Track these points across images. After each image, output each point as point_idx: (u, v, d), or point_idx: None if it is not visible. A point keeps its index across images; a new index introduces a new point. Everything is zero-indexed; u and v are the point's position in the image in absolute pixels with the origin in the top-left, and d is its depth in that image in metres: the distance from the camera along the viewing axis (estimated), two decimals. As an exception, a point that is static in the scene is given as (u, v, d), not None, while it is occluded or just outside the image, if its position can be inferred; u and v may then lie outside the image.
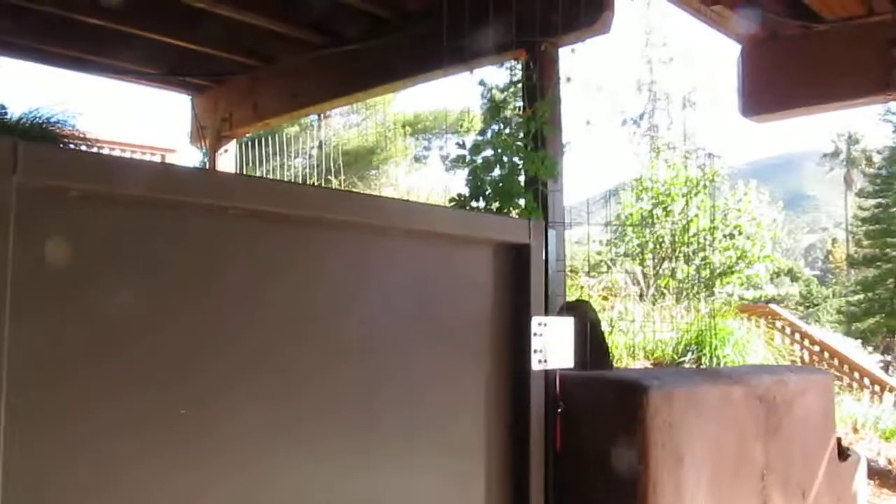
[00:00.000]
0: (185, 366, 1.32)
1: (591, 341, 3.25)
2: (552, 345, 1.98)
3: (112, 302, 1.25)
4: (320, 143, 17.66)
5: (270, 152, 12.68)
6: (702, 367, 5.93)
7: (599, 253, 10.21)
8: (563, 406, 2.03)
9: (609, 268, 9.86)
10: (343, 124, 29.03)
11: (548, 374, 1.98)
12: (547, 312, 1.96)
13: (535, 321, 1.93)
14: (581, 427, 2.27)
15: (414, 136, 30.59)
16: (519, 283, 1.92)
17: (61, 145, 7.26)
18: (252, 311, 1.43)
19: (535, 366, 1.93)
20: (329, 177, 13.79)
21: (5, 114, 7.18)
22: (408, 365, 1.71)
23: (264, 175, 13.64)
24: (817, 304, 39.14)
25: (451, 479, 1.81)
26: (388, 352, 1.67)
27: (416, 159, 31.70)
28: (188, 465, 1.31)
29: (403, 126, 29.08)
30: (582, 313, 3.47)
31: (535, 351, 1.94)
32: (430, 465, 1.75)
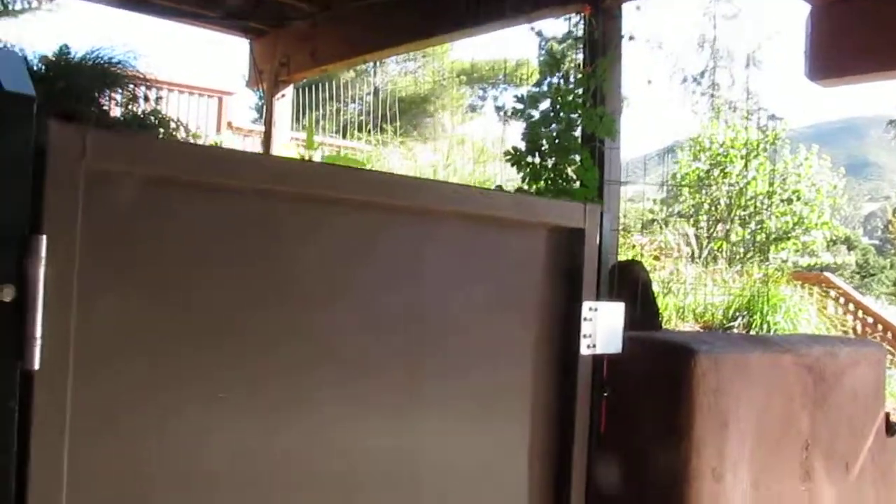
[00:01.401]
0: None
1: (641, 301, 3.24)
2: (602, 330, 1.97)
3: (177, 286, 1.29)
4: (376, 89, 17.62)
5: (326, 97, 12.71)
6: (752, 333, 5.88)
7: (653, 211, 10.10)
8: (609, 391, 2.03)
9: (662, 227, 9.75)
10: (399, 71, 28.87)
11: (595, 359, 1.97)
12: (599, 297, 1.95)
13: (586, 306, 1.93)
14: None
15: (469, 85, 30.31)
16: (572, 267, 1.91)
17: (120, 90, 7.38)
18: (319, 289, 1.47)
19: (584, 350, 1.93)
20: (384, 124, 13.79)
21: (68, 54, 7.30)
22: (458, 342, 1.73)
23: (319, 119, 13.71)
24: (874, 275, 38.28)
25: (494, 452, 1.84)
26: (439, 330, 1.69)
27: (472, 108, 31.47)
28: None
29: (459, 75, 28.82)
30: (634, 273, 3.46)
31: (585, 336, 1.93)
32: (473, 437, 1.77)
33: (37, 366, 1.09)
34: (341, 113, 14.12)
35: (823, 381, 2.98)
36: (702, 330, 6.15)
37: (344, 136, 13.88)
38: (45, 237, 1.08)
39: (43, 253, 1.08)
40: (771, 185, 10.22)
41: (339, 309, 1.51)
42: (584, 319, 1.92)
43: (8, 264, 1.05)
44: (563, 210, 1.98)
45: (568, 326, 1.93)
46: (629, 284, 3.16)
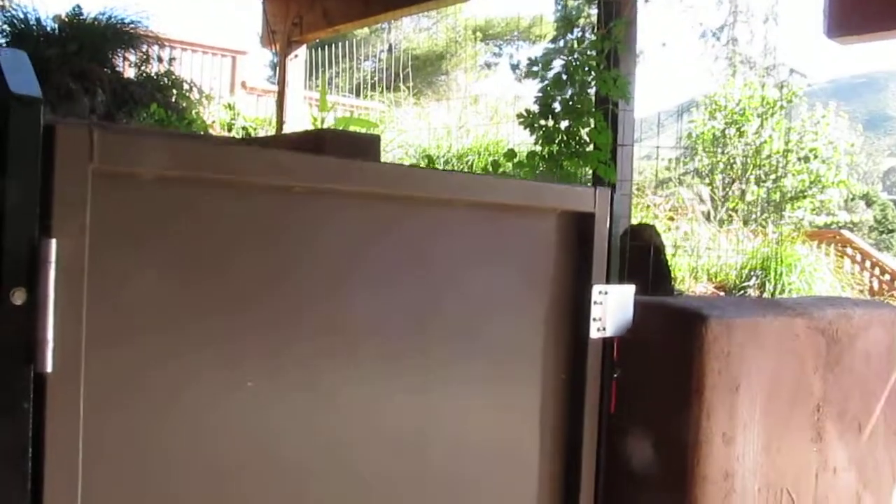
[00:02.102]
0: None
1: (653, 265, 3.26)
2: (612, 312, 1.98)
3: (188, 285, 1.30)
4: (390, 46, 17.49)
5: (340, 54, 12.65)
6: (766, 294, 5.87)
7: (668, 169, 10.04)
8: (619, 372, 2.05)
9: (677, 185, 9.70)
10: (413, 28, 28.64)
11: (605, 341, 1.99)
12: (609, 279, 1.97)
13: (596, 289, 1.94)
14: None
15: (484, 42, 30.04)
16: (581, 251, 1.92)
17: (134, 50, 7.38)
18: (331, 279, 1.49)
19: (594, 333, 1.95)
20: (398, 82, 13.72)
21: (80, 14, 7.30)
22: (469, 327, 1.74)
23: (333, 77, 13.63)
24: (893, 231, 37.99)
25: (506, 432, 1.86)
26: (450, 316, 1.70)
27: (487, 66, 31.20)
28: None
29: (474, 31, 28.56)
30: (646, 237, 3.47)
31: (595, 319, 1.94)
32: (486, 417, 1.79)
33: (49, 368, 1.10)
34: (355, 71, 14.05)
35: (836, 343, 2.99)
36: (715, 290, 6.16)
37: (357, 95, 13.84)
38: (54, 241, 1.09)
39: (53, 256, 1.09)
40: (787, 143, 10.12)
41: (353, 297, 1.53)
42: (595, 303, 1.94)
43: (19, 268, 1.07)
44: (573, 195, 1.97)
45: (578, 309, 1.94)
46: (641, 248, 3.17)
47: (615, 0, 4.36)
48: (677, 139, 9.65)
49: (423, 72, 24.05)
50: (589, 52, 4.25)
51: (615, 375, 2.03)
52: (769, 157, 9.68)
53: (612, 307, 1.98)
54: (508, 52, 30.28)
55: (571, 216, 1.93)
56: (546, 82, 4.24)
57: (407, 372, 1.61)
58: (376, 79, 14.21)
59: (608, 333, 1.98)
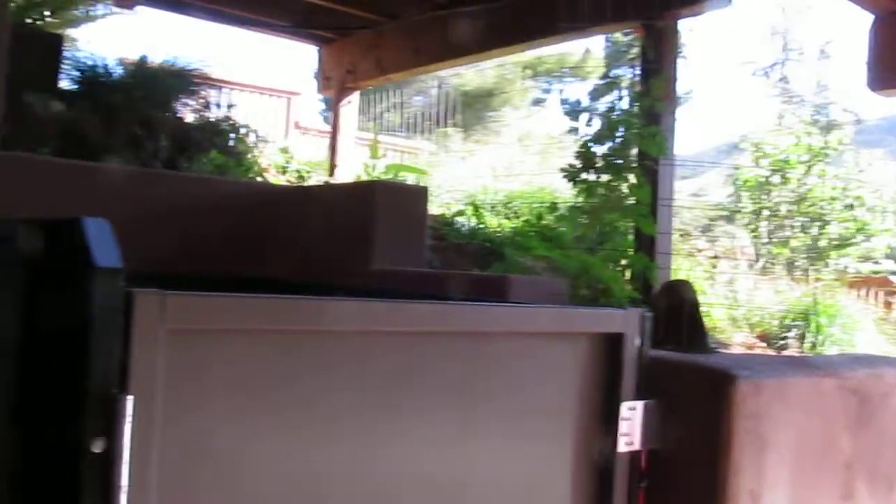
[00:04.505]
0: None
1: (688, 322, 3.34)
2: (641, 427, 2.06)
3: (255, 436, 1.41)
4: (440, 83, 17.72)
5: (391, 89, 12.88)
6: (805, 346, 5.87)
7: (712, 217, 10.05)
8: (647, 482, 2.15)
9: (709, 228, 9.73)
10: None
11: (633, 454, 2.07)
12: (638, 395, 2.05)
13: (625, 406, 2.02)
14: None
15: (534, 79, 30.17)
16: (612, 369, 2.01)
17: (193, 90, 7.69)
18: (373, 412, 1.60)
19: (622, 447, 2.03)
20: (448, 118, 13.89)
21: (146, 62, 7.66)
22: (502, 447, 1.83)
23: (383, 113, 13.89)
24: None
25: None
26: (479, 436, 1.80)
27: (536, 102, 31.30)
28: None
29: (524, 69, 28.72)
30: (681, 293, 3.56)
31: (623, 434, 2.03)
32: None
33: None
34: (405, 107, 14.27)
35: (867, 402, 3.05)
36: (756, 341, 6.18)
37: (408, 130, 14.04)
38: (131, 398, 1.21)
39: (130, 411, 1.21)
40: (833, 189, 10.08)
41: (394, 427, 1.62)
42: (623, 419, 2.02)
43: (99, 420, 1.20)
44: (604, 318, 2.06)
45: (607, 425, 2.01)
46: (676, 305, 3.27)
47: (654, 59, 4.49)
48: (722, 181, 9.67)
49: (473, 108, 24.22)
50: (629, 110, 4.38)
51: (642, 485, 2.12)
52: (813, 204, 9.64)
53: (641, 422, 2.06)
54: (558, 89, 30.34)
55: (602, 337, 2.01)
56: (587, 137, 4.38)
57: (439, 494, 1.71)
58: (426, 115, 14.38)
59: (636, 447, 2.05)
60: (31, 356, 1.37)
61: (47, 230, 1.38)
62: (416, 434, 1.66)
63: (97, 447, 1.20)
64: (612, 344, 2.02)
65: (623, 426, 2.04)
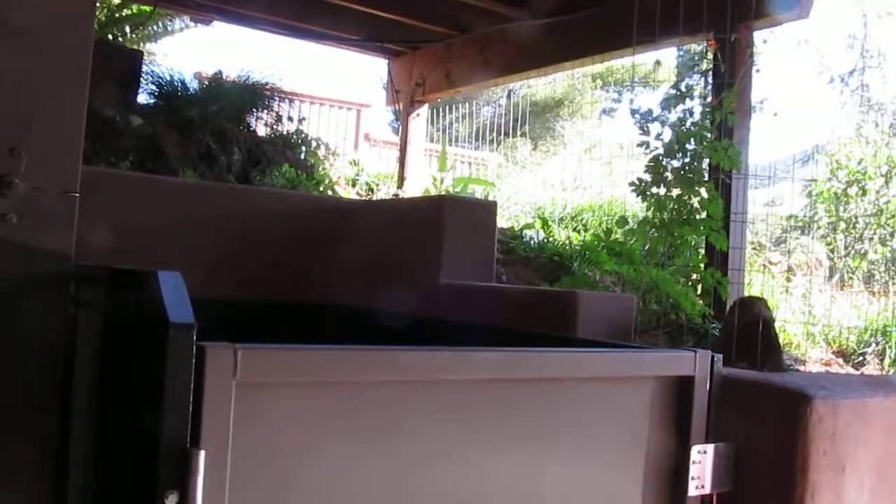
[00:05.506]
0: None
1: (762, 339, 3.30)
2: (711, 470, 2.04)
3: (328, 490, 1.43)
4: (509, 92, 17.73)
5: (460, 100, 12.97)
6: (886, 361, 5.70)
7: (786, 231, 9.83)
8: None
9: (784, 240, 9.52)
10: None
11: (704, 498, 2.05)
12: (708, 438, 2.03)
13: (695, 449, 2.00)
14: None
15: (604, 88, 29.98)
16: (681, 412, 2.00)
17: (266, 103, 7.87)
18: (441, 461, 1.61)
19: (693, 492, 2.00)
20: (517, 128, 13.91)
21: (221, 76, 7.87)
22: (569, 491, 1.82)
23: (452, 123, 13.97)
24: None
25: None
26: (549, 479, 1.79)
27: (605, 112, 31.10)
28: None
29: (593, 78, 28.58)
30: (755, 311, 3.51)
31: (693, 478, 2.01)
32: None
33: None
34: (474, 116, 14.33)
35: (951, 423, 2.95)
36: (833, 357, 6.02)
37: (476, 139, 14.10)
38: (203, 452, 1.23)
39: (202, 465, 1.23)
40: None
41: (459, 470, 1.62)
42: (694, 462, 2.00)
43: (173, 474, 1.22)
44: (673, 361, 2.03)
45: (678, 469, 1.99)
46: (749, 323, 3.23)
47: (728, 71, 4.43)
48: (798, 191, 9.45)
49: (541, 118, 24.15)
50: (702, 122, 4.33)
51: None
52: (893, 216, 9.36)
53: (711, 465, 2.04)
54: (629, 98, 30.04)
55: (672, 380, 2.00)
56: (657, 150, 4.34)
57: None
58: (494, 125, 14.42)
59: (707, 491, 2.03)
60: (104, 409, 1.43)
61: (122, 281, 1.43)
62: (487, 478, 1.65)
63: (170, 502, 1.22)
64: (681, 386, 2.00)
65: (693, 470, 2.01)
